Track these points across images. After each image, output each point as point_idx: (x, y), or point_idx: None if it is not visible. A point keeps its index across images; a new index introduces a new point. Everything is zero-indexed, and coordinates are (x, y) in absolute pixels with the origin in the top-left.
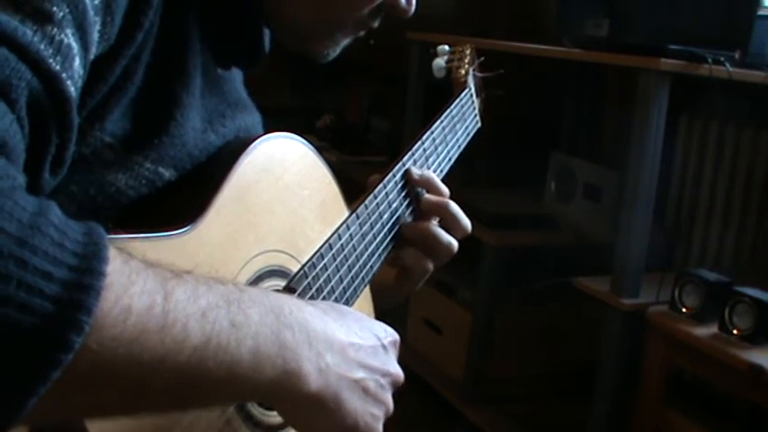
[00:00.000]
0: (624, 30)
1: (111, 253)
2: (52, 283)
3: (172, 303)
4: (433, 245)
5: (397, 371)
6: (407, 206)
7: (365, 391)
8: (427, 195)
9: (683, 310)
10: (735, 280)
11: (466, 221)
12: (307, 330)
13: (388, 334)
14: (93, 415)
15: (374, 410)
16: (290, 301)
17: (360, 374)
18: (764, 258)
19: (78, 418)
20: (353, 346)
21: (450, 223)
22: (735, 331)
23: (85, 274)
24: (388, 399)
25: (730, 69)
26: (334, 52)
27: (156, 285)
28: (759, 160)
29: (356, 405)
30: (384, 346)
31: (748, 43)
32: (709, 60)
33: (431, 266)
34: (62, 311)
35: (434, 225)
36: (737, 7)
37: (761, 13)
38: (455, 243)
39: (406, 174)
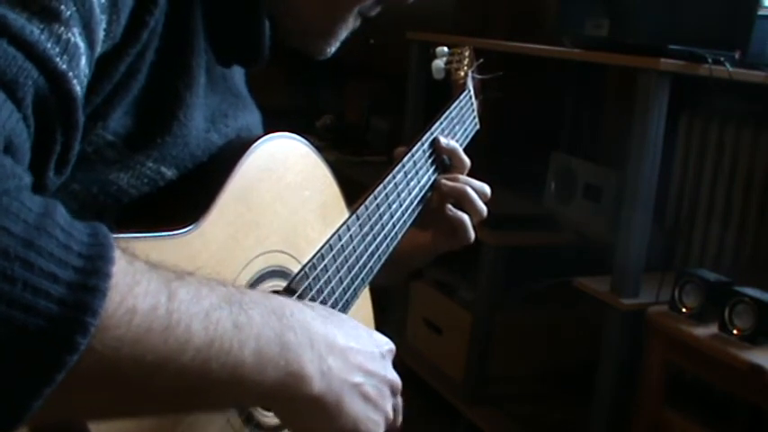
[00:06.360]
0: (624, 30)
1: (116, 253)
2: (58, 284)
3: (175, 304)
4: (468, 204)
5: (396, 378)
6: (408, 206)
7: (365, 397)
8: (444, 180)
9: (683, 310)
10: (735, 280)
11: (482, 206)
12: (309, 332)
13: (385, 342)
14: (95, 416)
15: (374, 416)
16: (292, 304)
17: (360, 379)
18: (764, 258)
19: (81, 419)
20: (353, 351)
21: (467, 207)
22: (735, 331)
23: (91, 276)
24: (388, 406)
25: (730, 69)
26: (335, 47)
27: (160, 286)
28: (759, 160)
29: (357, 409)
30: (382, 354)
31: (748, 43)
32: (710, 60)
33: (466, 218)
34: (68, 313)
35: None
36: (737, 7)
37: (761, 13)
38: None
39: (435, 142)
